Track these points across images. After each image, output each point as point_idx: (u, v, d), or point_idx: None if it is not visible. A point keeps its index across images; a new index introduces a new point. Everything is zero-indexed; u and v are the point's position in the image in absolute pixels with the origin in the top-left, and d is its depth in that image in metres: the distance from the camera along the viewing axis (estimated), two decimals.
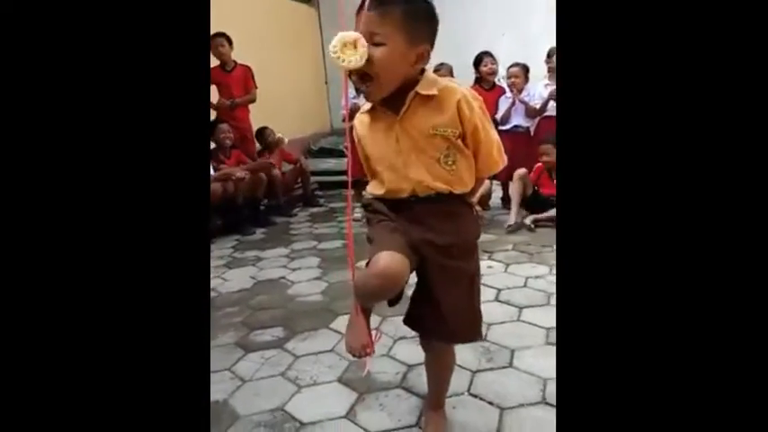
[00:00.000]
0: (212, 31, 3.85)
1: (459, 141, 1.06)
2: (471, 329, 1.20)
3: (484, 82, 3.91)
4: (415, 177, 1.06)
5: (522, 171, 3.39)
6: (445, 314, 1.12)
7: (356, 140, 1.16)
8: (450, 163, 1.07)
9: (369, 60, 0.97)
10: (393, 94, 1.04)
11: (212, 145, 3.86)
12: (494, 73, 3.91)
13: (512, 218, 3.34)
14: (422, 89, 1.03)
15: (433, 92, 1.03)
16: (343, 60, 0.97)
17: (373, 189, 1.16)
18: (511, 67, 3.79)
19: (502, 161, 1.13)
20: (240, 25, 4.41)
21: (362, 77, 1.01)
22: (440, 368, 1.31)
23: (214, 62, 3.98)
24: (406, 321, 1.22)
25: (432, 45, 1.05)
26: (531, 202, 3.44)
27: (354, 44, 0.97)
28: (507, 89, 3.89)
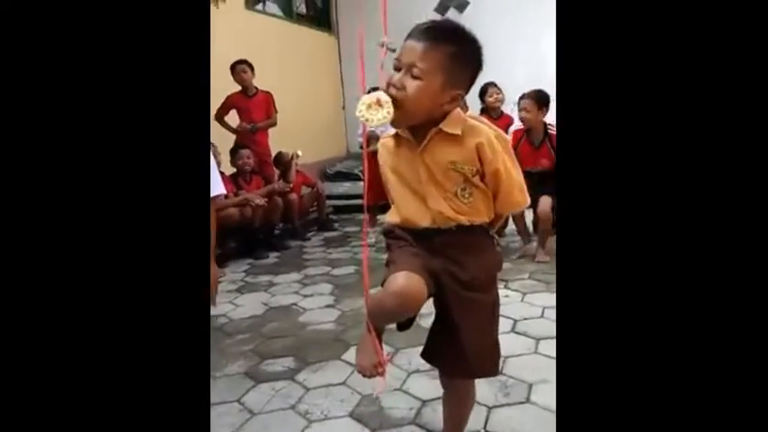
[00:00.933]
0: (235, 59, 3.97)
1: (477, 179, 1.06)
2: (491, 363, 1.16)
3: (492, 111, 3.88)
4: (435, 208, 1.06)
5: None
6: (465, 347, 1.09)
7: (381, 163, 1.16)
8: (466, 196, 1.06)
9: (401, 89, 0.98)
10: (418, 129, 1.05)
11: (233, 170, 3.91)
12: (500, 102, 3.87)
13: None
14: (446, 127, 1.03)
15: (457, 132, 1.03)
16: (369, 120, 0.98)
17: (391, 217, 1.14)
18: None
19: (524, 201, 1.13)
20: (262, 53, 4.51)
21: (393, 102, 1.00)
22: (460, 406, 1.27)
23: (236, 88, 4.07)
24: (423, 355, 1.19)
25: (468, 89, 1.06)
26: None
27: (379, 103, 0.97)
28: (517, 119, 3.83)
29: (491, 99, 3.85)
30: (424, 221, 1.08)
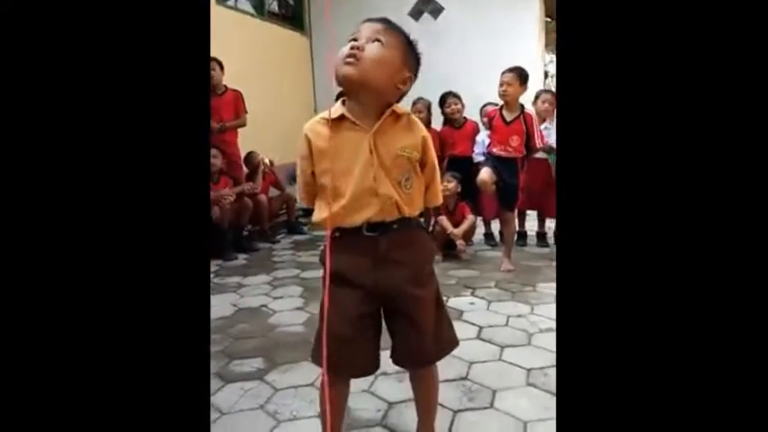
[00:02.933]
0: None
1: (417, 166, 1.15)
2: (448, 341, 1.25)
3: (453, 122, 3.94)
4: (386, 193, 1.08)
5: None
6: (425, 334, 1.17)
7: (304, 154, 1.13)
8: (408, 187, 1.13)
9: (362, 50, 1.03)
10: (369, 109, 1.09)
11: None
12: (458, 112, 3.91)
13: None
14: (398, 109, 1.11)
15: (407, 112, 1.12)
16: None
17: (322, 213, 1.10)
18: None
19: (440, 198, 1.26)
20: (232, 51, 4.46)
21: (354, 56, 1.02)
22: (428, 393, 1.32)
23: None
24: (392, 357, 1.24)
25: (412, 81, 1.13)
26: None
27: None
28: (481, 125, 3.88)
29: (449, 110, 3.89)
30: (368, 211, 1.07)
